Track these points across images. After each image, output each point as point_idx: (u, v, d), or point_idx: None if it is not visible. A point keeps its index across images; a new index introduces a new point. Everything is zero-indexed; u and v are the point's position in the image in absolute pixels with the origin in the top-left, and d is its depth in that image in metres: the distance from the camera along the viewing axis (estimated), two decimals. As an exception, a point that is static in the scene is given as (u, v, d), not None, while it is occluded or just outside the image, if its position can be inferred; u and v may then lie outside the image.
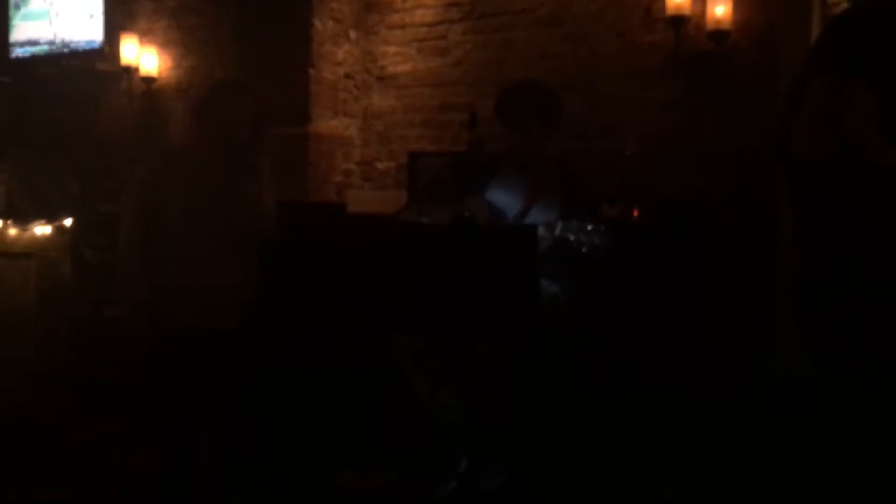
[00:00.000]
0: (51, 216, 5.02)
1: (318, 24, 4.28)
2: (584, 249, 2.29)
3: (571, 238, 2.31)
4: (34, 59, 5.14)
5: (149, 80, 4.79)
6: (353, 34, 4.48)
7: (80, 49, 4.96)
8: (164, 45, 4.84)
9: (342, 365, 3.08)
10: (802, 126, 1.51)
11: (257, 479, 2.84)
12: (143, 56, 4.77)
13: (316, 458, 2.92)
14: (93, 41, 4.92)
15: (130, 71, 4.77)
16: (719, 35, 3.52)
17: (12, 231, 5.06)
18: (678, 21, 3.59)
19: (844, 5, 2.62)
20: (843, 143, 1.46)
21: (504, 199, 2.86)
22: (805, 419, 1.82)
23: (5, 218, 5.14)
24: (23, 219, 5.04)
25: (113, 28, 4.85)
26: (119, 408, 3.60)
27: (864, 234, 1.53)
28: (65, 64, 5.03)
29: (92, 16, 4.89)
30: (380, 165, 4.50)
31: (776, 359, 3.16)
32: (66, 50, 5.01)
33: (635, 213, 3.27)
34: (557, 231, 2.37)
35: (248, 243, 2.69)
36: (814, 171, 1.58)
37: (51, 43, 5.06)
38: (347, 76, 4.47)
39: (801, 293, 1.70)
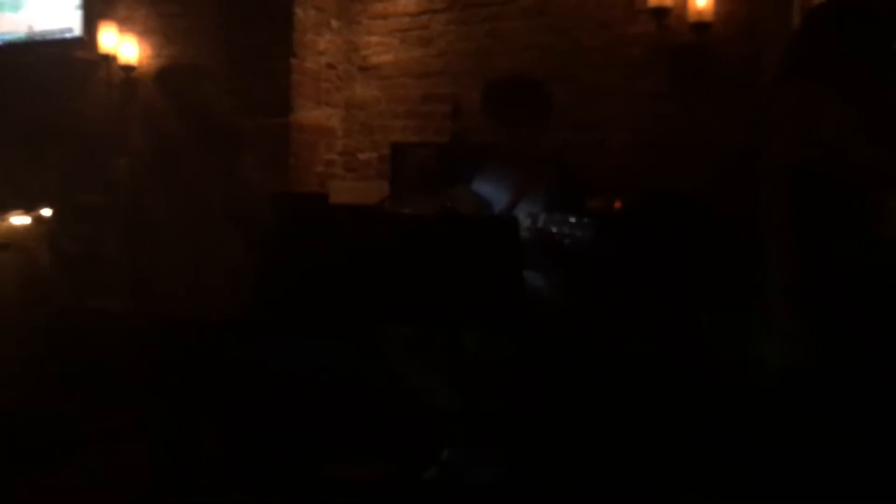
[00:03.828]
0: (29, 206, 4.95)
1: (300, 12, 4.24)
2: (566, 241, 2.28)
3: (554, 230, 2.31)
4: (10, 48, 5.07)
5: (128, 69, 4.73)
6: (335, 23, 4.45)
7: (58, 37, 4.90)
8: (143, 33, 4.78)
9: (334, 356, 3.07)
10: (778, 129, 1.52)
11: (252, 472, 2.82)
12: (122, 44, 4.71)
13: (310, 451, 2.92)
14: (70, 29, 4.86)
15: (109, 59, 4.71)
16: (701, 26, 3.52)
17: (-10, 221, 4.98)
18: (660, 12, 3.59)
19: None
20: (818, 147, 1.47)
21: (491, 191, 2.85)
22: (804, 413, 1.84)
23: (-18, 208, 5.06)
24: (1, 209, 4.96)
25: (92, 16, 4.79)
26: (106, 403, 3.56)
27: (842, 231, 1.55)
28: (42, 52, 4.96)
29: (79, 6, 4.83)
30: (362, 156, 4.48)
31: (769, 352, 3.17)
32: (43, 38, 4.95)
33: (617, 205, 3.27)
34: (540, 223, 2.37)
35: (239, 228, 2.66)
36: (794, 173, 1.59)
37: (28, 31, 4.99)
38: (330, 66, 4.44)
39: (800, 290, 1.72)
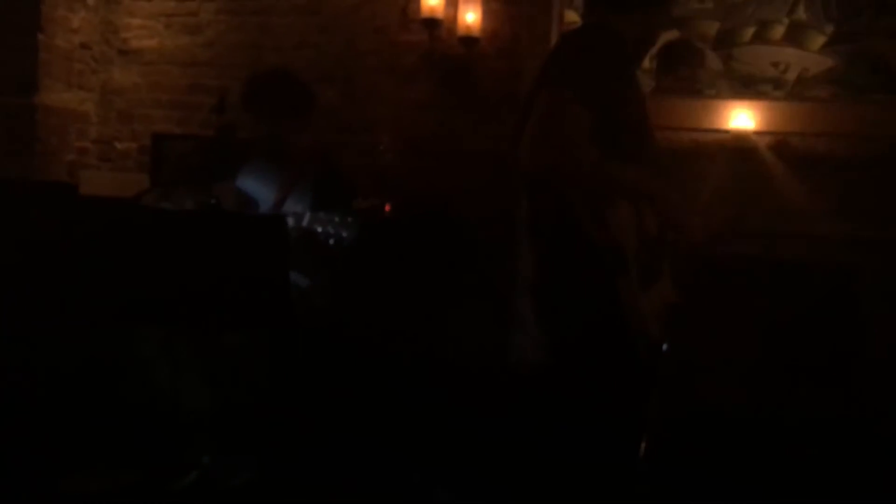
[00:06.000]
0: None
1: (49, -16, 3.87)
2: (331, 241, 2.29)
3: (319, 230, 2.30)
4: None
5: None
6: (91, 1, 4.11)
7: None
8: None
9: (76, 358, 2.82)
10: (527, 135, 1.63)
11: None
12: None
13: (44, 461, 2.65)
14: None
15: None
16: (469, 41, 3.69)
17: None
18: (432, 23, 3.71)
19: (577, 24, 2.87)
20: (558, 153, 1.60)
21: (256, 188, 2.79)
22: (539, 408, 1.97)
23: None
24: None
25: None
26: None
27: (576, 234, 1.70)
28: None
29: None
30: (120, 146, 4.18)
31: (512, 349, 3.39)
32: None
33: (387, 208, 3.34)
34: (305, 222, 2.35)
35: None
36: (537, 176, 1.72)
37: None
38: (84, 46, 4.09)
39: (535, 289, 1.85)
